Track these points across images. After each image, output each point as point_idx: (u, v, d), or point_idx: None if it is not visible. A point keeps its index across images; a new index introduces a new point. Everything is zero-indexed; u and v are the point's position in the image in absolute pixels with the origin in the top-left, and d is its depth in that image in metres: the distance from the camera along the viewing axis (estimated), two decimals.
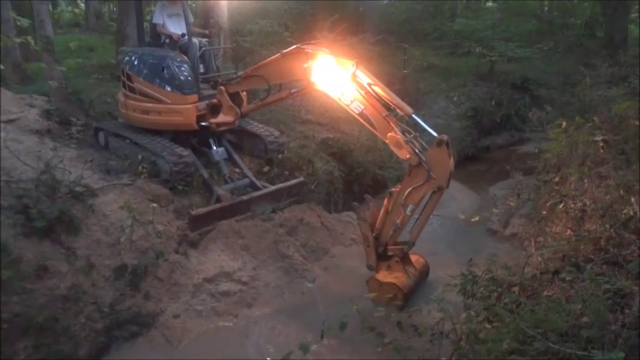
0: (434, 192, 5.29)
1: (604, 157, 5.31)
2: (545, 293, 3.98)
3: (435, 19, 20.80)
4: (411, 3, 22.58)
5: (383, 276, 5.71)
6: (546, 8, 23.08)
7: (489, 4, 24.47)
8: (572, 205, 5.29)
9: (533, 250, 5.06)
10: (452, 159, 5.13)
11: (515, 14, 19.10)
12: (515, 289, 4.20)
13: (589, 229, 4.69)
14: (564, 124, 5.85)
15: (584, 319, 3.12)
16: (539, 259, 4.74)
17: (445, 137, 5.04)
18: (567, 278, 3.85)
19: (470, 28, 16.28)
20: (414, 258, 5.98)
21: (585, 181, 5.28)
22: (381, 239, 5.72)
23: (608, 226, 4.31)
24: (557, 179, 6.24)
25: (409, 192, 5.32)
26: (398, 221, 5.49)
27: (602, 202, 4.67)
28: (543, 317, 3.22)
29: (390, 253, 5.74)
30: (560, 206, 5.57)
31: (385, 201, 5.69)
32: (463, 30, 16.69)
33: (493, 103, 13.78)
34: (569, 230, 5.09)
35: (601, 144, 5.28)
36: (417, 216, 5.57)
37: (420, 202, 5.40)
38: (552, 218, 5.72)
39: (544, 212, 5.97)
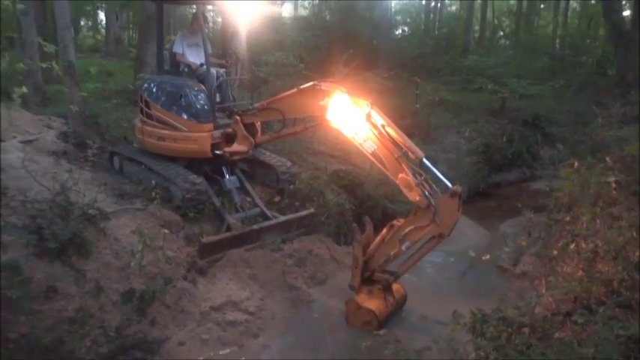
0: (434, 236, 5.29)
1: (616, 198, 5.29)
2: (556, 335, 3.92)
3: (446, 54, 21.12)
4: (423, 38, 22.97)
5: (362, 299, 5.73)
6: (558, 46, 23.36)
7: (502, 41, 24.82)
8: (584, 246, 5.24)
9: (544, 290, 5.00)
10: (460, 211, 5.13)
11: (527, 52, 19.33)
12: (526, 330, 4.13)
13: (601, 270, 4.64)
14: (576, 163, 5.85)
15: None
16: (550, 299, 4.67)
17: (459, 189, 5.05)
18: (579, 321, 3.80)
19: (482, 64, 16.48)
20: (394, 287, 6.00)
21: (597, 221, 5.25)
22: (370, 264, 5.76)
23: (620, 268, 4.27)
24: (568, 218, 6.20)
25: (410, 230, 5.34)
26: (391, 253, 5.53)
27: (615, 243, 4.62)
28: None
29: (374, 279, 5.79)
30: (572, 246, 5.52)
31: (384, 230, 5.73)
32: (475, 66, 16.90)
33: (504, 139, 13.84)
34: (580, 271, 5.03)
35: (613, 185, 5.27)
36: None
37: (418, 241, 5.42)
38: (564, 258, 5.66)
39: (555, 252, 5.90)
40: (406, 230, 5.35)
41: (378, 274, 5.79)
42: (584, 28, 22.82)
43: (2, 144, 7.26)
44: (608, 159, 6.02)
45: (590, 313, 3.81)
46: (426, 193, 5.12)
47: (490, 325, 4.20)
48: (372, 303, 5.69)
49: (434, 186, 5.28)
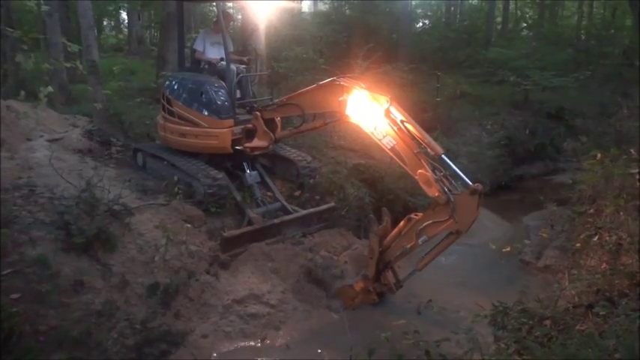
0: (451, 233, 5.28)
1: None
2: (577, 327, 3.90)
3: (468, 46, 20.85)
4: (444, 31, 22.73)
5: (359, 290, 6.00)
6: (583, 37, 22.87)
7: (524, 32, 24.42)
8: (608, 238, 5.19)
9: (566, 283, 4.97)
10: (479, 209, 5.08)
11: (551, 43, 18.97)
12: (547, 322, 4.12)
13: (625, 263, 4.59)
14: (599, 155, 5.76)
15: (617, 355, 3.05)
16: (573, 292, 4.64)
17: (480, 187, 4.99)
18: (601, 313, 3.78)
19: (504, 56, 16.23)
20: None
21: (621, 213, 5.19)
22: (385, 256, 5.83)
23: None
24: (592, 211, 6.13)
25: (428, 224, 5.34)
26: (408, 246, 5.57)
27: (639, 235, 4.57)
28: (575, 352, 3.17)
29: (382, 280, 5.96)
30: (595, 239, 5.47)
31: (401, 223, 5.74)
32: (497, 58, 16.64)
33: (527, 132, 13.66)
34: (604, 264, 4.99)
35: (637, 177, 5.19)
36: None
37: (435, 236, 5.41)
38: (587, 251, 5.61)
39: (578, 244, 5.85)
40: (424, 224, 5.36)
41: (387, 277, 5.93)
42: (608, 18, 22.27)
43: (30, 143, 7.48)
44: (632, 150, 5.93)
45: (612, 305, 3.78)
46: (445, 189, 5.09)
47: (511, 318, 4.19)
48: (361, 299, 6.01)
49: (453, 182, 5.24)
